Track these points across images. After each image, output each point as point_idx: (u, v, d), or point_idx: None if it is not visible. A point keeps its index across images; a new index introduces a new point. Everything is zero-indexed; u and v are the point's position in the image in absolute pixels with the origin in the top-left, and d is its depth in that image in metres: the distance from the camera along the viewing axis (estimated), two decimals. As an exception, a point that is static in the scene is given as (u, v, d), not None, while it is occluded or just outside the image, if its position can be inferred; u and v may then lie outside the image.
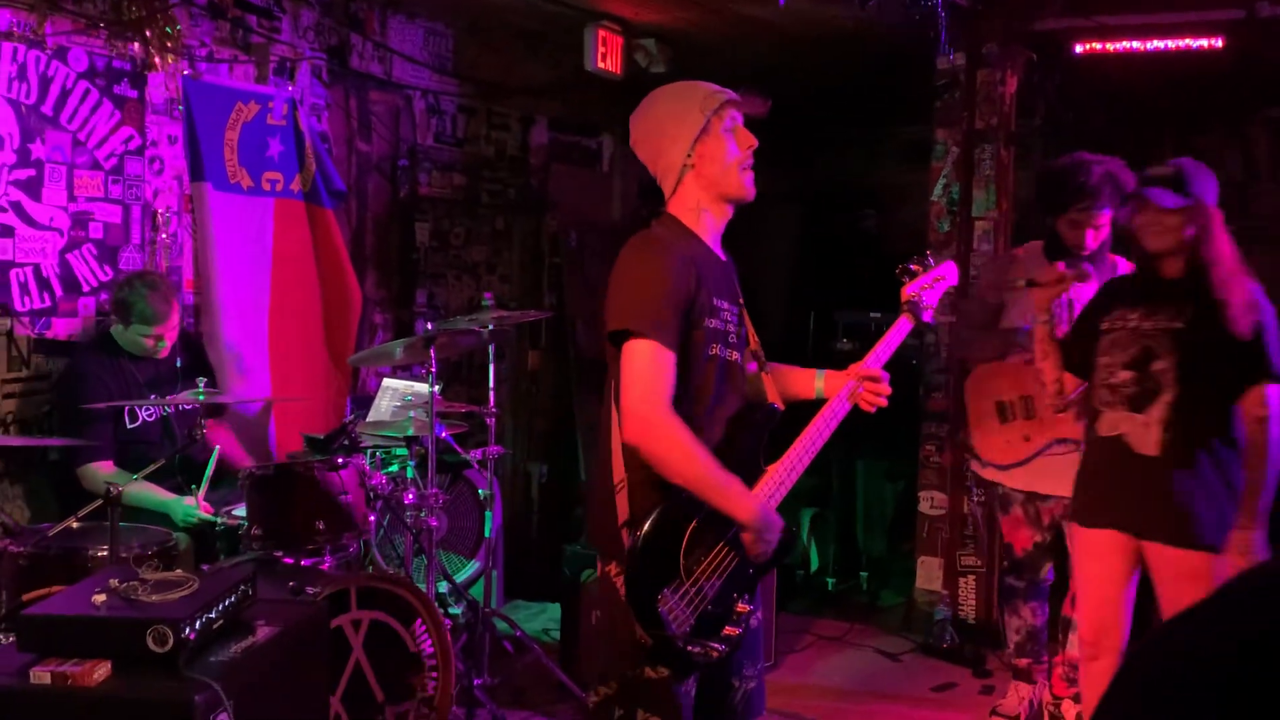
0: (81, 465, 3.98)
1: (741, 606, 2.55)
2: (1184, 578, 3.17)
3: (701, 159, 2.55)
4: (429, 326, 4.14)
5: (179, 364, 4.34)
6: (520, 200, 6.40)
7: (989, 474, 4.19)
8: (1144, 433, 3.24)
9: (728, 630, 2.53)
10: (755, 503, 2.49)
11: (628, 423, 2.43)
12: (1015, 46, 5.14)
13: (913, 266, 2.86)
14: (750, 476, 2.56)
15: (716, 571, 2.50)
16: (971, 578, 5.22)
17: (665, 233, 2.57)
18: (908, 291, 2.83)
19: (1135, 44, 4.94)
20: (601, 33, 5.65)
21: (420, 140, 5.90)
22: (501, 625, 4.51)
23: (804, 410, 2.75)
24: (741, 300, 2.70)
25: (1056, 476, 3.89)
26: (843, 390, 2.69)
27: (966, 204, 5.26)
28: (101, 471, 3.95)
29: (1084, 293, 3.89)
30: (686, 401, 2.50)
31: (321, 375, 5.25)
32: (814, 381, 2.77)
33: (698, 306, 2.50)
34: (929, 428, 5.37)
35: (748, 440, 2.59)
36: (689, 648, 2.45)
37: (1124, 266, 4.08)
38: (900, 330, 2.79)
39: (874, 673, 4.92)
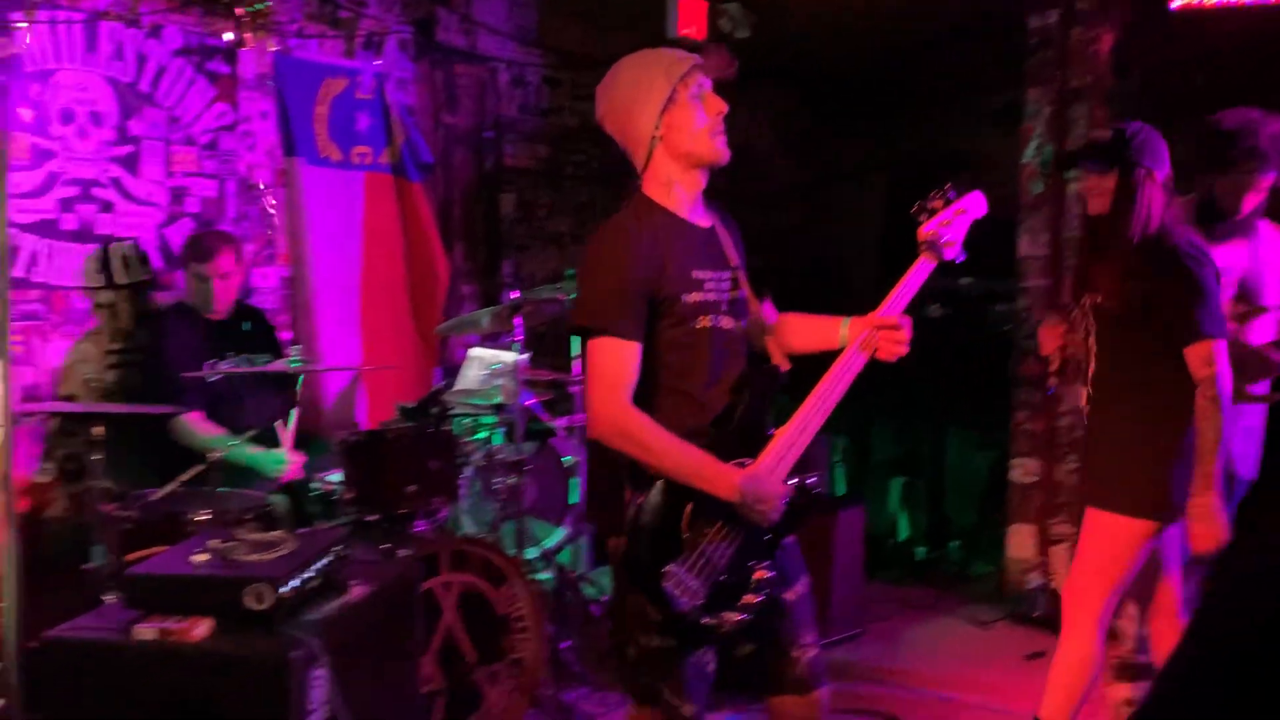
0: (173, 419, 4.08)
1: (760, 573, 2.51)
2: (1086, 532, 3.32)
3: (670, 129, 2.51)
4: (514, 294, 4.17)
5: (245, 328, 4.44)
6: (603, 171, 6.41)
7: None
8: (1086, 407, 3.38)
9: (746, 598, 2.49)
10: (736, 478, 2.44)
11: (590, 423, 2.46)
12: (1110, 3, 4.98)
13: (932, 203, 2.69)
14: (756, 441, 2.52)
15: (725, 540, 2.46)
16: (1064, 546, 5.12)
17: (630, 217, 2.52)
18: (925, 230, 2.67)
19: (1236, -3, 4.76)
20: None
21: (505, 112, 5.94)
22: (589, 590, 4.55)
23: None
24: (737, 263, 2.64)
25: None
26: (855, 340, 2.59)
27: (1059, 165, 5.13)
28: (192, 423, 4.06)
29: (1228, 259, 3.80)
30: (682, 377, 2.50)
31: (410, 345, 5.34)
32: (839, 330, 2.66)
33: (669, 285, 2.47)
34: (1021, 394, 5.27)
35: (751, 405, 2.55)
36: (703, 620, 2.43)
37: (1268, 232, 3.95)
38: (920, 272, 2.64)
39: (964, 641, 4.87)
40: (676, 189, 2.55)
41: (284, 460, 3.99)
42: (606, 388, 2.44)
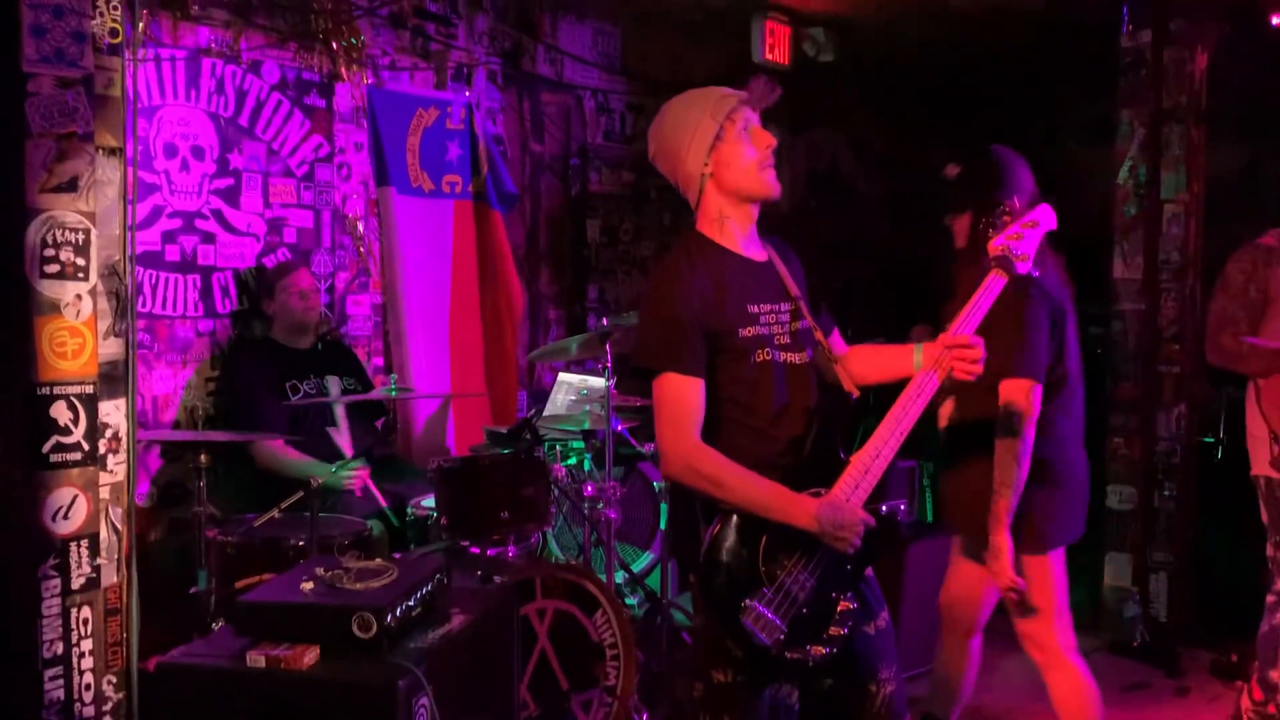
0: (254, 446, 4.18)
1: (844, 605, 2.48)
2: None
3: (720, 166, 2.51)
4: (605, 321, 4.20)
5: (319, 348, 4.54)
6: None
7: None
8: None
9: (832, 631, 2.45)
10: (811, 506, 2.41)
11: (663, 462, 2.47)
12: (1206, 21, 4.90)
13: (1002, 218, 2.67)
14: (830, 470, 2.49)
15: (805, 572, 2.44)
16: (1163, 574, 5.02)
17: (683, 254, 2.53)
18: (995, 244, 2.62)
19: (1338, 11, 4.66)
20: (769, 24, 5.65)
21: (590, 139, 6.00)
22: (678, 616, 4.55)
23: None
24: (798, 294, 2.62)
25: None
26: (928, 363, 2.55)
27: (1154, 186, 5.05)
28: (273, 450, 4.15)
29: None
30: (748, 411, 2.49)
31: (496, 371, 5.40)
32: (912, 357, 2.64)
33: (725, 322, 2.47)
34: (1117, 419, 5.17)
35: (821, 434, 2.53)
36: (786, 654, 2.40)
37: None
38: (990, 290, 2.59)
39: (1060, 671, 4.77)
40: (729, 224, 2.56)
41: (348, 466, 4.04)
42: (674, 425, 2.45)
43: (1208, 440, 5.09)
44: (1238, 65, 5.08)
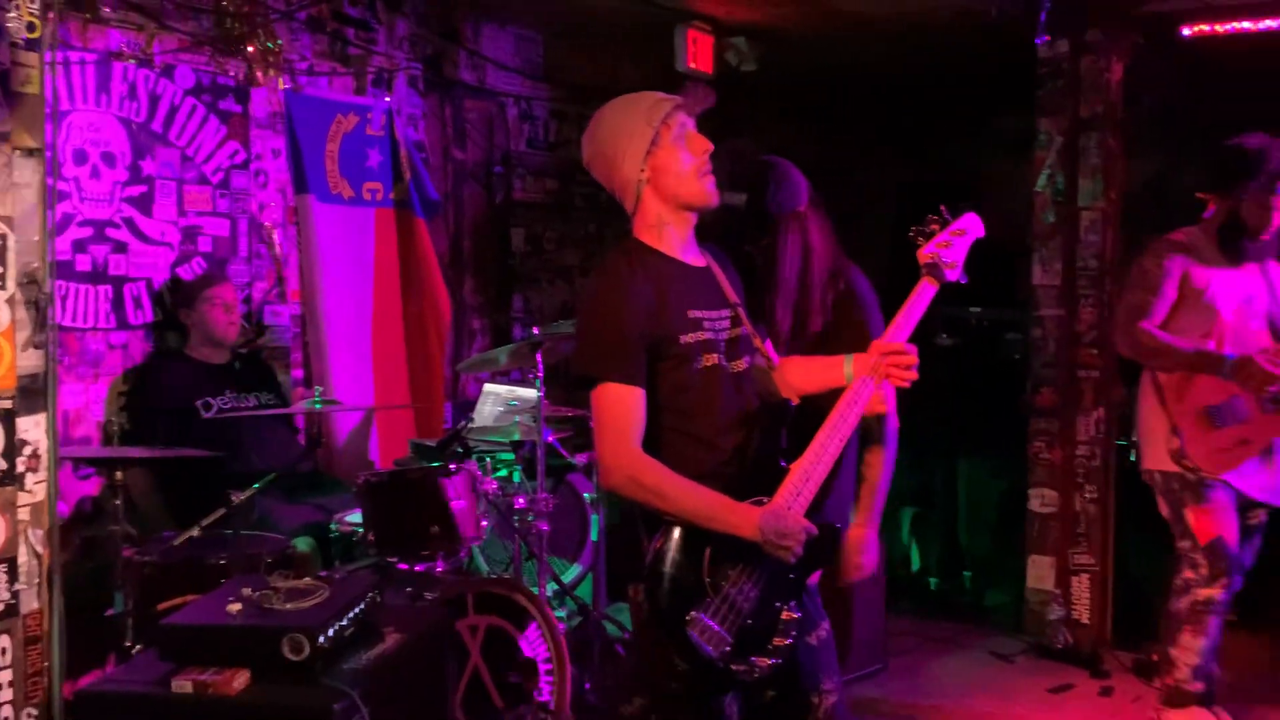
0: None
1: (788, 614, 2.46)
2: None
3: (656, 172, 2.47)
4: (536, 331, 4.15)
5: (235, 364, 4.42)
6: (612, 203, 6.39)
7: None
8: None
9: (776, 641, 2.43)
10: (754, 516, 2.39)
11: (602, 473, 2.43)
12: (1121, 31, 5.00)
13: (930, 227, 2.63)
14: (771, 478, 2.47)
15: (749, 582, 2.41)
16: (1085, 576, 5.09)
17: (622, 261, 2.49)
18: (924, 253, 2.60)
19: (1246, 24, 4.78)
20: (692, 33, 5.63)
21: (513, 146, 5.94)
22: (611, 628, 4.50)
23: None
24: (736, 301, 2.60)
25: (1267, 478, 3.83)
26: (863, 369, 2.54)
27: (1072, 194, 5.13)
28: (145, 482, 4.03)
29: (1250, 287, 3.83)
30: (689, 419, 2.46)
31: (421, 382, 5.31)
32: (843, 367, 2.62)
33: (666, 327, 2.44)
34: (1037, 423, 5.24)
35: (763, 441, 2.52)
36: (732, 667, 2.37)
37: (1273, 265, 3.97)
38: (922, 297, 2.58)
39: (988, 675, 4.82)
40: (668, 230, 2.53)
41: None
42: (615, 436, 2.41)
43: (1121, 443, 5.18)
44: (1151, 75, 5.20)
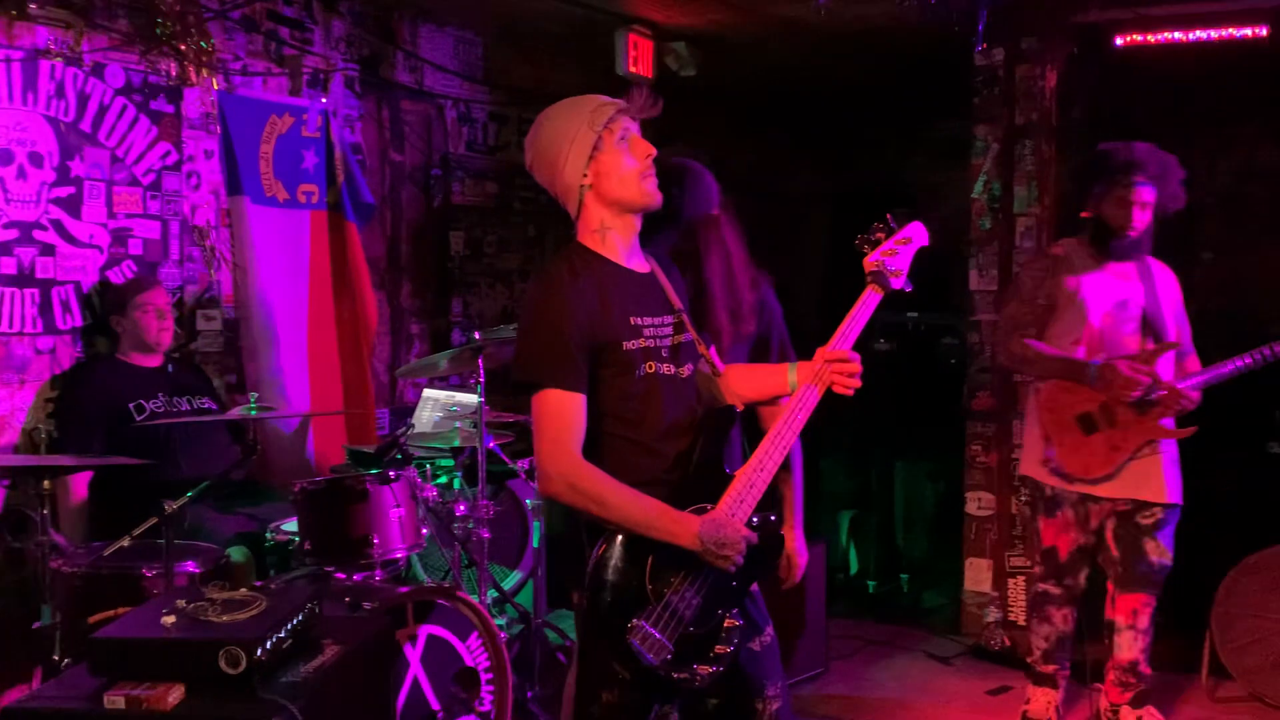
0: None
1: (730, 622, 2.45)
2: None
3: (599, 176, 2.45)
4: (478, 335, 4.10)
5: (168, 367, 4.33)
6: (552, 207, 6.34)
7: (1078, 488, 4.00)
8: None
9: (718, 649, 2.41)
10: (694, 525, 2.37)
11: (541, 479, 2.41)
12: (1055, 40, 5.07)
13: (875, 235, 2.64)
14: (715, 485, 2.46)
15: (691, 590, 2.39)
16: (1021, 578, 5.15)
17: (565, 266, 2.47)
18: (870, 261, 2.61)
19: (1177, 34, 4.88)
20: (632, 37, 5.62)
21: (452, 149, 5.88)
22: (552, 636, 4.47)
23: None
24: (680, 307, 2.59)
25: (1147, 480, 3.89)
26: (809, 375, 2.53)
27: (1008, 201, 5.20)
28: (76, 494, 3.95)
29: (1127, 292, 3.90)
30: (632, 426, 2.45)
31: (354, 388, 5.23)
32: (787, 375, 2.61)
33: (609, 334, 2.43)
34: (974, 427, 5.30)
35: (706, 449, 2.50)
36: (674, 675, 2.36)
37: (1160, 271, 4.04)
38: (867, 304, 2.57)
39: (927, 677, 4.86)
40: (611, 235, 2.51)
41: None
42: (555, 443, 2.38)
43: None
44: (1085, 84, 5.29)
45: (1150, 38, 4.89)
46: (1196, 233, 6.07)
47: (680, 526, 2.38)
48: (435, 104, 5.78)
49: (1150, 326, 3.99)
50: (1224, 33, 4.76)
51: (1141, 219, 3.92)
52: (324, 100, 5.12)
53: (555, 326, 2.40)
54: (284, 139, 4.97)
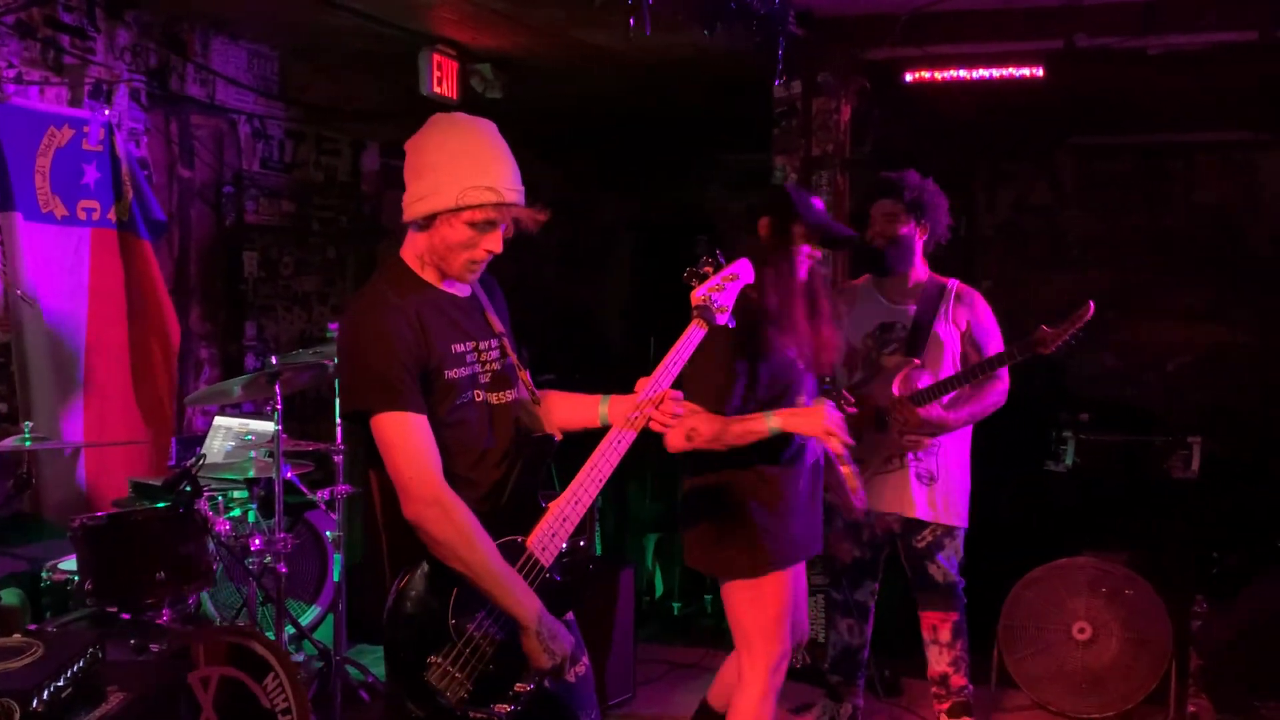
0: None
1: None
2: None
3: (437, 230, 2.41)
4: (275, 360, 3.94)
5: None
6: (353, 228, 6.21)
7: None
8: None
9: (518, 688, 2.38)
10: (537, 605, 2.37)
11: (407, 503, 2.32)
12: (849, 75, 5.27)
13: (704, 269, 2.69)
14: (528, 516, 2.46)
15: (496, 626, 2.36)
16: (820, 597, 5.27)
17: (390, 289, 2.43)
18: (698, 295, 2.64)
19: (961, 72, 5.13)
20: (436, 57, 5.53)
21: (246, 166, 5.66)
22: (354, 672, 4.32)
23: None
24: (502, 330, 2.57)
25: (889, 494, 4.05)
26: (625, 417, 2.53)
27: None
28: None
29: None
30: (451, 456, 2.41)
31: (141, 415, 4.93)
32: (598, 408, 2.63)
33: (434, 361, 2.40)
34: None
35: (523, 477, 2.50)
36: (471, 714, 2.33)
37: (968, 293, 4.21)
38: (690, 340, 2.60)
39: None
40: (429, 271, 2.48)
41: None
42: (415, 465, 2.31)
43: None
44: (876, 118, 5.51)
45: (937, 75, 5.13)
46: (978, 262, 6.41)
47: (527, 602, 2.35)
48: (228, 119, 5.55)
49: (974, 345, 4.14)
50: (1004, 72, 5.04)
51: (886, 231, 4.04)
52: (108, 112, 4.84)
53: (384, 349, 2.33)
54: (63, 152, 4.67)
